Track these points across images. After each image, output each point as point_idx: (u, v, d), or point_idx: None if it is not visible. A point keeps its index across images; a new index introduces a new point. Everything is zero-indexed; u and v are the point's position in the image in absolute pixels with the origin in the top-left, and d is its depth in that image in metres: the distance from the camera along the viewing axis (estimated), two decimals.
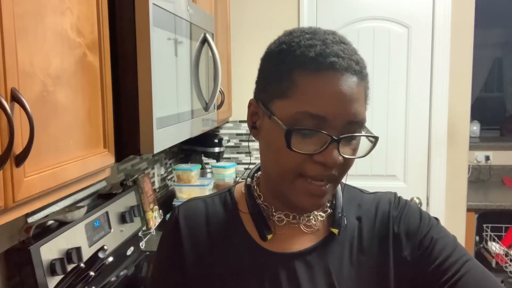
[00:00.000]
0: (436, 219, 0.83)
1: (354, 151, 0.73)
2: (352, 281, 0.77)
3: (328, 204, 0.82)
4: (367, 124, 0.75)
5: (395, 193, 0.86)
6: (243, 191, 0.84)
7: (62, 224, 1.43)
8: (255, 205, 0.80)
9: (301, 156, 0.70)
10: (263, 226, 0.78)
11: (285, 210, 0.80)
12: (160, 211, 2.29)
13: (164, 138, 1.39)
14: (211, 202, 0.87)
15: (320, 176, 0.71)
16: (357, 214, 0.83)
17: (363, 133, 0.73)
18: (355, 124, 0.71)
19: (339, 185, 0.84)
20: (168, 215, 2.34)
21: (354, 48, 0.74)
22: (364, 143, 0.76)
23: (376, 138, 0.75)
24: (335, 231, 0.79)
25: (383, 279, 0.78)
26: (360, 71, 0.72)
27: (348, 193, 0.85)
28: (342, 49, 0.71)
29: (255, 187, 0.83)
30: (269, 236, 0.77)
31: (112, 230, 1.70)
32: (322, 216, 0.81)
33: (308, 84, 0.69)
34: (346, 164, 0.73)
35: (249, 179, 0.84)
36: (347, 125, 0.70)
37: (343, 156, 0.70)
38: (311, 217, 0.80)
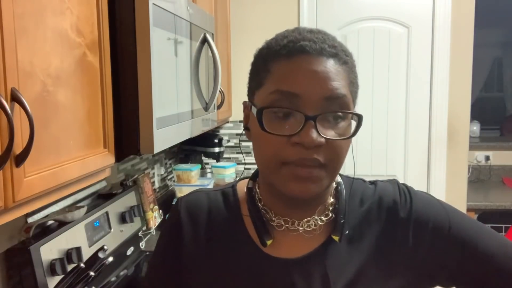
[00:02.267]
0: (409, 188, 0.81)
1: (340, 135, 0.68)
2: (351, 286, 0.75)
3: (330, 208, 0.78)
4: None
5: (398, 186, 0.81)
6: (245, 192, 0.82)
7: (62, 224, 1.43)
8: (256, 209, 0.78)
9: (279, 140, 0.67)
10: (263, 232, 0.76)
11: (284, 216, 0.77)
12: (160, 211, 2.29)
13: (164, 138, 1.39)
14: (214, 197, 0.84)
15: (302, 160, 0.67)
16: (359, 213, 0.79)
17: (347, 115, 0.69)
18: (335, 101, 0.67)
19: (344, 187, 0.80)
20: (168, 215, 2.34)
21: (334, 37, 0.73)
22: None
23: (360, 117, 0.70)
24: (336, 238, 0.76)
25: (385, 282, 0.76)
26: (336, 54, 0.69)
27: (348, 190, 0.80)
28: (317, 36, 0.70)
29: (257, 189, 0.80)
30: (269, 242, 0.75)
31: (112, 230, 1.70)
32: (322, 221, 0.77)
33: (280, 68, 0.69)
34: (332, 149, 0.68)
35: (250, 182, 0.82)
36: (325, 103, 0.67)
37: (325, 138, 0.66)
38: (311, 222, 0.77)
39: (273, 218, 0.77)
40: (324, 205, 0.78)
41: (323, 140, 0.66)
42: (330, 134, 0.68)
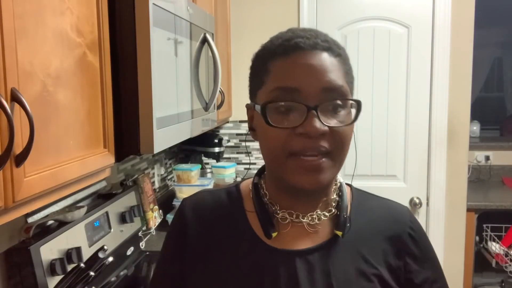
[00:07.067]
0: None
1: (342, 122, 0.72)
2: (351, 286, 0.77)
3: (334, 204, 0.82)
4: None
5: (410, 214, 0.86)
6: (250, 189, 0.85)
7: (62, 224, 1.43)
8: (261, 203, 0.81)
9: (285, 132, 0.71)
10: (268, 224, 0.78)
11: (289, 209, 0.80)
12: (160, 211, 2.29)
13: (164, 138, 1.39)
14: (218, 196, 0.87)
15: (309, 150, 0.70)
16: (365, 219, 0.83)
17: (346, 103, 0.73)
18: (333, 91, 0.71)
19: (346, 187, 0.83)
20: (168, 215, 2.34)
21: (325, 34, 0.76)
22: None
23: (358, 102, 0.74)
24: (339, 233, 0.79)
25: None
26: (329, 47, 0.73)
27: (357, 196, 0.85)
28: (309, 33, 0.74)
29: (263, 185, 0.83)
30: (274, 234, 0.78)
31: (112, 230, 1.70)
32: (326, 216, 0.80)
33: (278, 66, 0.73)
34: (337, 136, 0.71)
35: (256, 178, 0.85)
36: (324, 94, 0.70)
37: (328, 126, 0.70)
38: (314, 216, 0.80)
39: (278, 211, 0.80)
40: (327, 201, 0.81)
41: (326, 128, 0.70)
42: (333, 122, 0.71)
